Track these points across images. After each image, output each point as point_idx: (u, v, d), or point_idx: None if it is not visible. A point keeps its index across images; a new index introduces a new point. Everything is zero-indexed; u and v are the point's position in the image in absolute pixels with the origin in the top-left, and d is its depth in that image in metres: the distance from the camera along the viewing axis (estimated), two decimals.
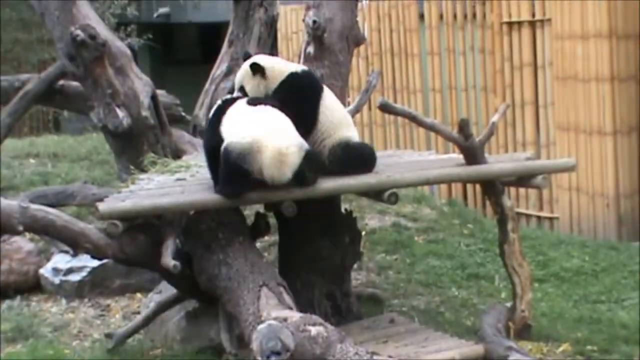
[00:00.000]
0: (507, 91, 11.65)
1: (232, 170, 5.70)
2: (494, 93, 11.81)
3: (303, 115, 5.99)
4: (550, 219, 11.28)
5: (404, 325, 6.76)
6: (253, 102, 5.95)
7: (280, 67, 6.21)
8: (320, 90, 6.20)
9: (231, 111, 5.94)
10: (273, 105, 5.90)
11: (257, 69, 6.05)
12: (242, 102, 5.98)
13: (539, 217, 11.42)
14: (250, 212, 6.97)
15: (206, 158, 6.12)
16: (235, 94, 6.15)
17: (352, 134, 6.31)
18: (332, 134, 6.17)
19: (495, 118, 6.74)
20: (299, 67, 6.35)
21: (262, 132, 5.67)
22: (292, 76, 6.14)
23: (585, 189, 10.80)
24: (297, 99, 6.02)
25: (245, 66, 6.13)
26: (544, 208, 11.38)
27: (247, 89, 6.09)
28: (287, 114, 5.83)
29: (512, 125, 11.60)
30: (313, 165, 5.82)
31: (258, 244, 6.76)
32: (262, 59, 6.18)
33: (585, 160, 10.63)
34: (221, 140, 5.78)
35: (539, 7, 11.24)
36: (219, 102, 6.20)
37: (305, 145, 5.76)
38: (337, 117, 6.21)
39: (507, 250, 6.69)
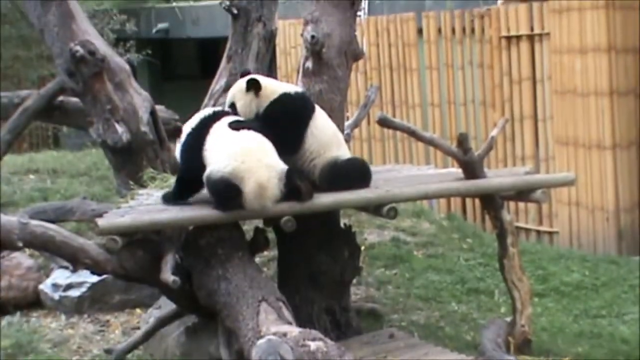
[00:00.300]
0: (506, 105, 11.67)
1: (219, 193, 5.82)
2: (493, 107, 11.82)
3: (289, 136, 6.02)
4: (550, 233, 11.28)
5: (404, 340, 6.74)
6: (236, 126, 5.95)
7: (273, 86, 6.22)
8: (312, 111, 6.20)
9: (214, 134, 5.94)
10: (255, 130, 5.93)
11: (252, 85, 6.05)
12: (224, 125, 5.95)
13: (538, 232, 11.41)
14: (249, 227, 6.94)
15: (180, 172, 6.23)
16: (225, 109, 6.14)
17: (342, 152, 6.29)
18: (321, 153, 6.17)
19: (494, 132, 6.75)
20: (292, 87, 6.34)
21: (244, 164, 5.72)
22: (284, 96, 6.14)
23: (584, 203, 10.80)
24: (286, 120, 6.03)
25: (241, 82, 6.13)
26: (544, 222, 11.38)
27: (238, 105, 6.08)
28: (272, 135, 5.85)
29: (511, 139, 11.61)
30: (297, 181, 5.85)
31: (257, 259, 6.74)
32: (258, 77, 6.18)
33: (585, 174, 10.63)
34: (202, 164, 5.87)
35: (538, 21, 11.26)
36: (198, 118, 6.15)
37: (283, 167, 5.80)
38: (327, 137, 6.20)
39: (507, 265, 6.67)
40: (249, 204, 5.76)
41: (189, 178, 6.02)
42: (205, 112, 6.16)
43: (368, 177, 6.36)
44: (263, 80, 6.20)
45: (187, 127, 6.11)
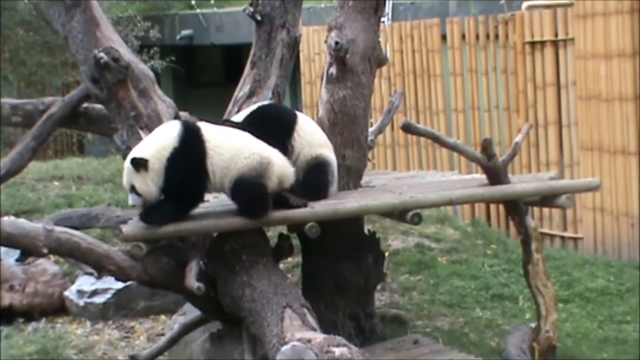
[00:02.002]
0: (530, 111, 11.63)
1: (259, 192, 5.84)
2: (517, 113, 11.79)
3: None
4: (575, 239, 11.23)
5: (428, 346, 6.76)
6: (223, 123, 6.09)
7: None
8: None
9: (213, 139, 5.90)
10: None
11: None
12: (211, 128, 5.95)
13: (563, 238, 11.37)
14: (273, 233, 6.99)
15: (179, 188, 5.88)
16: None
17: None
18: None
19: (518, 138, 6.74)
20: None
21: (265, 149, 5.90)
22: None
23: (609, 209, 10.75)
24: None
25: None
26: (568, 228, 11.34)
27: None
28: None
29: (535, 145, 11.57)
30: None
31: (281, 266, 6.80)
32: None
33: (609, 180, 10.58)
34: (205, 176, 5.85)
35: (562, 27, 11.23)
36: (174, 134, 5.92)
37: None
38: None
39: (531, 271, 6.66)
40: (275, 185, 5.91)
41: (192, 192, 5.92)
42: (173, 127, 5.92)
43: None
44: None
45: (160, 147, 5.80)
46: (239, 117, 6.47)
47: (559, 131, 11.41)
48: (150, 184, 5.73)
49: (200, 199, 5.98)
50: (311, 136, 6.39)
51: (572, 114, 11.21)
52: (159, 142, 5.83)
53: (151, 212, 5.83)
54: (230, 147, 5.83)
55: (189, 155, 5.79)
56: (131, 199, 5.80)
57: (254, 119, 6.42)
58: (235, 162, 5.80)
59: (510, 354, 6.46)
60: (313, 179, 6.33)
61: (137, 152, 5.79)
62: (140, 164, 5.70)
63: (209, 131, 5.87)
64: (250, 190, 5.82)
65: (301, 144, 6.35)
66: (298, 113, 6.57)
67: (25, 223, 5.71)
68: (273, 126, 6.29)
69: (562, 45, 11.26)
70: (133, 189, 5.74)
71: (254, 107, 6.63)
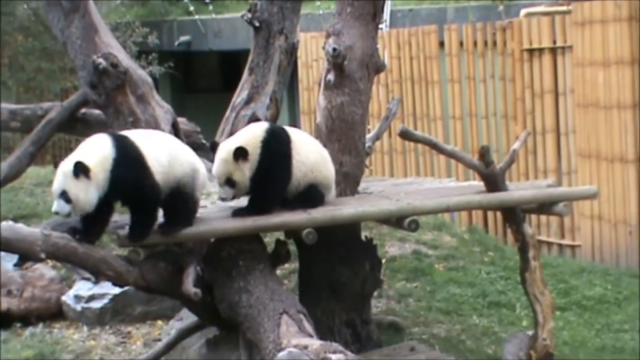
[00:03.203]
0: (528, 118, 11.64)
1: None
2: (515, 120, 11.79)
3: None
4: (572, 246, 11.23)
5: (425, 354, 6.77)
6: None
7: None
8: None
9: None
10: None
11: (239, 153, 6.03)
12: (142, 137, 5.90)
13: (560, 245, 11.36)
14: (270, 239, 6.99)
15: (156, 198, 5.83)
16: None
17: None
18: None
19: (516, 145, 6.74)
20: None
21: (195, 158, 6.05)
22: None
23: (607, 216, 10.76)
24: None
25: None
26: (566, 236, 11.33)
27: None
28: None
29: (533, 152, 11.58)
30: None
31: (278, 272, 6.82)
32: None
33: (607, 187, 10.59)
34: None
35: (560, 34, 11.23)
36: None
37: None
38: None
39: (529, 278, 6.66)
40: None
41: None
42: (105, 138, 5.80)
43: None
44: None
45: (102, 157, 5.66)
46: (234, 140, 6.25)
47: (557, 139, 11.41)
48: (90, 193, 5.55)
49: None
50: (306, 157, 6.25)
51: (570, 122, 11.22)
52: (98, 152, 5.64)
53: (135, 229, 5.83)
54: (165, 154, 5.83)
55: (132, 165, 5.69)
56: (57, 206, 5.54)
57: None
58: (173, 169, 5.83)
59: None
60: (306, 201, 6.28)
61: (78, 158, 5.57)
62: (83, 170, 5.51)
63: (140, 140, 5.81)
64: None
65: (297, 167, 6.23)
66: (290, 132, 6.36)
67: (23, 228, 5.70)
68: None
69: (560, 52, 11.27)
70: (64, 195, 5.51)
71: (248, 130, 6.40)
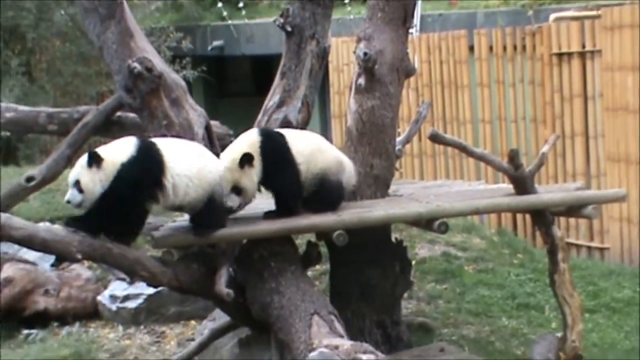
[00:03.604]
0: (557, 122, 11.64)
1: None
2: (544, 124, 11.80)
3: None
4: (601, 249, 11.22)
5: (454, 354, 6.81)
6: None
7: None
8: None
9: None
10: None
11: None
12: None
13: (589, 248, 11.35)
14: (301, 241, 7.03)
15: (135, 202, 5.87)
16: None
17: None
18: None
19: (545, 149, 6.76)
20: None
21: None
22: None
23: (636, 219, 10.73)
24: None
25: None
26: (595, 238, 11.32)
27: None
28: None
29: (562, 156, 11.58)
30: None
31: (309, 273, 6.83)
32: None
33: (636, 190, 10.58)
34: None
35: (589, 39, 11.23)
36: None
37: None
38: None
39: (558, 281, 6.66)
40: None
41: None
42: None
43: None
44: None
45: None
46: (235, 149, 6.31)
47: (585, 142, 11.40)
48: (101, 184, 5.62)
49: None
50: (302, 151, 6.29)
51: (599, 125, 11.20)
52: (119, 148, 5.77)
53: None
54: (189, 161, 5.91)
55: (146, 168, 5.74)
56: (69, 195, 5.60)
57: None
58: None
59: None
60: (319, 199, 6.34)
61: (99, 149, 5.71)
62: (96, 159, 5.60)
63: (167, 148, 5.90)
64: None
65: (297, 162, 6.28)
66: (282, 131, 6.45)
67: (60, 229, 5.77)
68: None
69: (589, 56, 11.27)
70: (77, 184, 5.59)
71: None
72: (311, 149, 6.28)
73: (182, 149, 5.92)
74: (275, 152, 6.17)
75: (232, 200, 6.04)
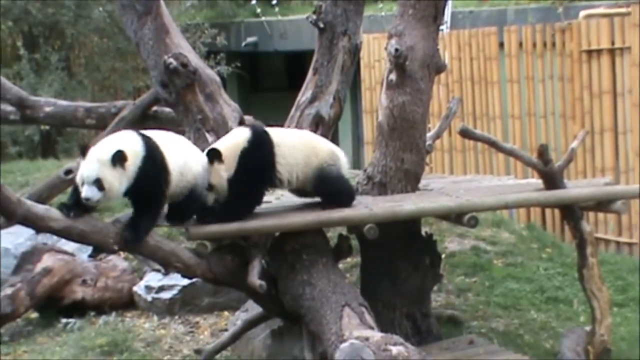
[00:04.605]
0: (586, 118, 11.65)
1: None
2: (573, 120, 11.81)
3: None
4: (629, 244, 11.22)
5: (483, 347, 6.84)
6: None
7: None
8: None
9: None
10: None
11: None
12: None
13: (617, 242, 11.35)
14: (333, 234, 7.11)
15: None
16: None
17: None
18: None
19: (574, 144, 6.78)
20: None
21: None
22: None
23: None
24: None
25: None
26: (623, 233, 11.33)
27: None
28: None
29: (591, 151, 11.59)
30: None
31: (340, 266, 6.89)
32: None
33: None
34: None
35: (619, 35, 11.23)
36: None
37: None
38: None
39: (586, 275, 6.71)
40: None
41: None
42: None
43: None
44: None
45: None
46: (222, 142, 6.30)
47: (614, 138, 11.41)
48: (123, 183, 5.61)
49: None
50: (292, 158, 6.26)
51: (628, 121, 11.20)
52: (130, 146, 5.70)
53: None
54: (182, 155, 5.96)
55: (158, 166, 5.77)
56: (90, 192, 5.52)
57: None
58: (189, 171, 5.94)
59: (565, 356, 6.52)
60: (327, 191, 6.37)
61: (116, 147, 5.59)
62: (121, 159, 5.56)
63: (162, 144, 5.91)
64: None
65: (288, 168, 6.26)
66: (273, 134, 6.33)
67: (97, 221, 5.83)
68: None
69: (618, 53, 11.26)
70: (97, 182, 5.52)
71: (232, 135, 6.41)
72: (303, 154, 6.25)
73: (172, 142, 5.97)
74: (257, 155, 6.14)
75: (209, 198, 6.05)
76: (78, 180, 5.60)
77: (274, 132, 6.32)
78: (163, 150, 5.80)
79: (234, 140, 6.17)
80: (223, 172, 6.04)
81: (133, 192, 5.68)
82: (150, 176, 5.67)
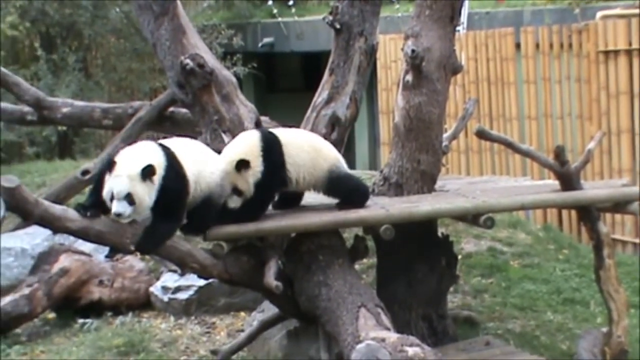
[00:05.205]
0: (603, 119, 11.62)
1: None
2: (590, 121, 11.79)
3: None
4: None
5: (500, 348, 6.82)
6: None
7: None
8: None
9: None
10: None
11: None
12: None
13: (635, 244, 11.33)
14: (349, 235, 7.11)
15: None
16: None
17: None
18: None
19: (591, 145, 6.75)
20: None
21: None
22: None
23: None
24: None
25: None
26: None
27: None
28: None
29: (608, 152, 11.56)
30: None
31: (357, 266, 6.90)
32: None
33: None
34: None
35: (636, 36, 11.20)
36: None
37: None
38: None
39: (603, 276, 6.68)
40: None
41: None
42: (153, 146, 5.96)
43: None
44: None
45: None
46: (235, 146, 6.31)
47: (631, 139, 11.39)
48: (152, 196, 5.66)
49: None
50: (300, 159, 6.31)
51: None
52: (152, 158, 5.73)
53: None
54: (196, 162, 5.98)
55: (179, 176, 5.81)
56: (121, 207, 5.58)
57: None
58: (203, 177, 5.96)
59: (582, 357, 6.51)
60: (341, 191, 6.41)
61: (145, 162, 5.64)
62: (151, 173, 5.64)
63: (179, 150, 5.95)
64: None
65: (296, 167, 6.29)
66: (279, 134, 6.38)
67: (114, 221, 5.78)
68: None
69: (635, 54, 11.24)
70: (128, 197, 5.58)
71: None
72: (310, 157, 6.29)
73: (188, 151, 5.98)
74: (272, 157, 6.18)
75: (234, 201, 6.09)
76: (106, 195, 5.63)
77: (280, 132, 6.37)
78: (181, 160, 5.83)
79: (249, 144, 6.20)
80: (250, 178, 6.08)
81: (156, 204, 5.72)
82: (172, 187, 5.72)
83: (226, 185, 6.07)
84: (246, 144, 6.20)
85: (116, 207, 5.58)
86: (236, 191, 6.08)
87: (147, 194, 5.61)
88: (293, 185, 6.29)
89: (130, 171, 5.60)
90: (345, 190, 6.37)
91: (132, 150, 5.84)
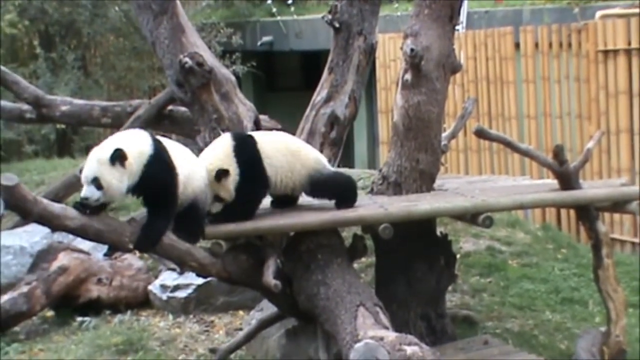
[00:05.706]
0: (602, 118, 11.62)
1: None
2: (589, 120, 11.78)
3: None
4: None
5: (498, 347, 6.81)
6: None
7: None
8: None
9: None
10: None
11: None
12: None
13: (633, 243, 11.33)
14: (348, 234, 7.09)
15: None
16: None
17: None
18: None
19: (590, 145, 6.75)
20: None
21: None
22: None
23: None
24: None
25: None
26: (639, 234, 11.29)
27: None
28: None
29: (607, 152, 11.56)
30: None
31: (355, 266, 6.91)
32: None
33: None
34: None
35: (635, 36, 11.20)
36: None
37: None
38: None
39: (602, 276, 6.67)
40: None
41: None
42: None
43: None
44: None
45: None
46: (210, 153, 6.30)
47: (630, 138, 11.38)
48: (123, 181, 5.56)
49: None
50: (277, 158, 6.30)
51: None
52: (136, 144, 5.68)
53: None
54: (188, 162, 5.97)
55: (166, 166, 5.76)
56: (88, 192, 5.50)
57: None
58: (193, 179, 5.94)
59: (580, 357, 6.51)
60: (325, 191, 6.41)
61: (116, 146, 5.56)
62: (120, 157, 5.52)
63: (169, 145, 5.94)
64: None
65: (273, 169, 6.28)
66: (255, 135, 6.41)
67: (113, 220, 5.84)
68: None
69: (635, 53, 11.24)
70: (96, 181, 5.49)
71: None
72: (286, 160, 6.27)
73: (179, 152, 5.95)
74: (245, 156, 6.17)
75: (215, 207, 6.09)
76: (82, 180, 5.60)
77: (256, 134, 6.39)
78: (172, 155, 5.80)
79: (223, 151, 6.17)
80: (230, 185, 6.08)
81: (141, 191, 5.69)
82: (158, 175, 5.66)
83: (209, 192, 6.06)
84: (220, 150, 6.19)
85: (84, 191, 5.52)
86: (218, 198, 6.09)
87: (116, 179, 5.50)
88: (272, 186, 6.27)
89: (100, 155, 5.53)
90: (332, 191, 6.37)
91: (113, 136, 5.80)
